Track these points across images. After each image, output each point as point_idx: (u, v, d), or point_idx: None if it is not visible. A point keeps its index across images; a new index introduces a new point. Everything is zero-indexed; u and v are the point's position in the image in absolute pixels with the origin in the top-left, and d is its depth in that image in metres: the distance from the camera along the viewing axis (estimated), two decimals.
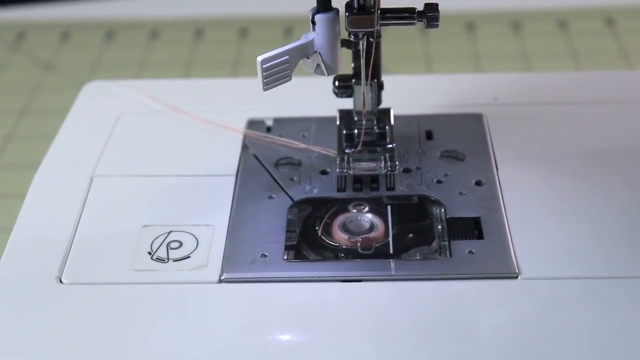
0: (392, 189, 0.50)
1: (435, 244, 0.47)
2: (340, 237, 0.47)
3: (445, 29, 0.88)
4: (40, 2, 0.93)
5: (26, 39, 0.90)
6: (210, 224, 0.48)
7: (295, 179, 0.51)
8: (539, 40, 0.89)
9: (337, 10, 0.46)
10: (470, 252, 0.45)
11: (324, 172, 0.52)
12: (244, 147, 0.54)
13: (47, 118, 0.75)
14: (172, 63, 0.85)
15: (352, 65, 0.49)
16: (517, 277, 0.44)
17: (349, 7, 0.46)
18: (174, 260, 0.46)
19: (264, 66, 0.45)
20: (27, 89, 0.81)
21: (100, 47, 0.88)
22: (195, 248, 0.46)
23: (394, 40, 0.83)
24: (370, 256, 0.46)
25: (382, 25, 0.47)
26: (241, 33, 0.90)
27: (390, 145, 0.51)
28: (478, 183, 0.50)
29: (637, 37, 0.88)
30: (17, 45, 0.89)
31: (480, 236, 0.46)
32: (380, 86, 0.50)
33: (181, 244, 0.47)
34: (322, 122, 0.55)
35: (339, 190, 0.50)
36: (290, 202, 0.49)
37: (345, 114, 0.52)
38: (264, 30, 0.90)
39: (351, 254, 0.47)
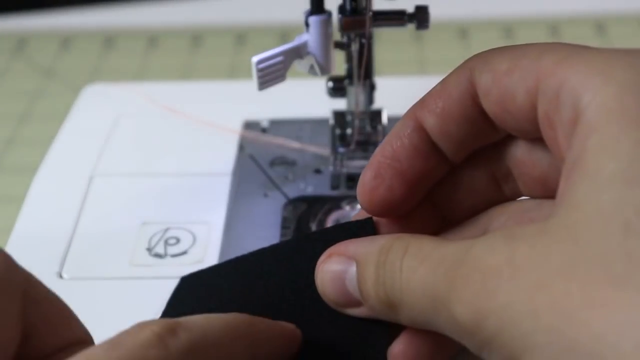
0: None
1: None
2: None
3: (438, 36, 0.89)
4: (40, 10, 0.95)
5: (27, 46, 0.91)
6: (207, 221, 0.49)
7: (290, 177, 0.52)
8: None
9: (330, 13, 0.47)
10: None
11: (318, 171, 0.53)
12: (240, 148, 0.55)
13: (47, 123, 0.76)
14: (171, 69, 0.86)
15: (345, 66, 0.51)
16: None
17: (341, 9, 0.47)
18: (171, 256, 0.47)
19: (259, 67, 0.46)
20: (28, 94, 0.83)
21: (99, 54, 0.90)
22: (192, 244, 0.48)
23: (388, 46, 0.84)
24: None
25: (373, 27, 0.48)
26: (238, 40, 0.91)
27: None
28: None
29: (627, 43, 0.89)
30: (18, 52, 0.90)
31: None
32: (372, 87, 0.51)
33: (178, 240, 0.48)
34: (316, 123, 0.56)
35: (332, 188, 0.51)
36: (285, 200, 0.51)
37: (338, 115, 0.53)
38: (261, 37, 0.91)
39: None
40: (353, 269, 0.34)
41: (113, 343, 0.28)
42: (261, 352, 0.34)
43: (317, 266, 0.35)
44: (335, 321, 0.38)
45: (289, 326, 0.36)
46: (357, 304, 0.34)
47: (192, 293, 0.39)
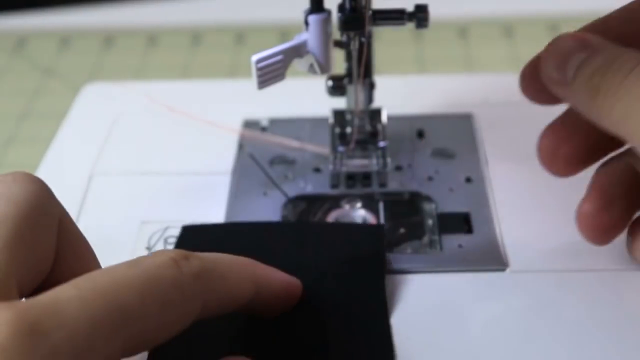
0: (384, 185, 0.51)
1: (426, 238, 0.48)
2: None
3: (438, 35, 0.89)
4: (39, 9, 0.95)
5: (26, 45, 0.91)
6: (207, 220, 0.49)
7: (289, 176, 0.52)
8: (531, 45, 0.89)
9: (330, 12, 0.47)
10: (460, 245, 0.46)
11: (317, 170, 0.53)
12: (240, 147, 0.55)
13: (46, 122, 0.75)
14: (170, 68, 0.86)
15: (345, 65, 0.50)
16: (505, 270, 0.45)
17: (341, 8, 0.47)
18: None
19: (258, 65, 0.46)
20: (27, 93, 0.83)
21: (98, 53, 0.90)
22: None
23: (388, 45, 0.84)
24: None
25: (373, 25, 0.48)
26: (238, 39, 0.91)
27: (382, 144, 0.52)
28: (468, 180, 0.51)
29: None
30: (17, 51, 0.90)
31: (469, 230, 0.47)
32: (372, 86, 0.51)
33: None
34: (316, 122, 0.56)
35: (332, 187, 0.51)
36: (285, 199, 0.51)
37: (338, 114, 0.53)
38: (260, 36, 0.91)
39: None
40: (582, 55, 0.38)
41: (133, 262, 0.32)
42: (264, 292, 0.38)
43: (556, 38, 0.40)
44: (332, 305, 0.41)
45: (292, 277, 0.40)
46: (564, 83, 0.38)
47: (196, 245, 0.40)
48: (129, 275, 0.31)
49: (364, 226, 0.48)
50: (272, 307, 0.39)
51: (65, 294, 0.30)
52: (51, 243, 0.34)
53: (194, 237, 0.46)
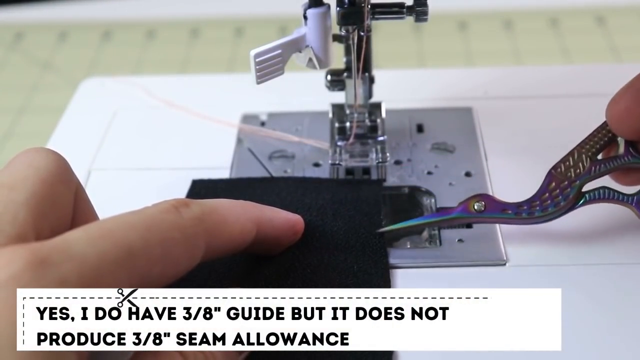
0: (384, 180, 0.51)
1: (425, 233, 0.48)
2: None
3: (438, 28, 0.89)
4: (38, 3, 0.94)
5: (24, 39, 0.91)
6: None
7: (288, 171, 0.52)
8: (531, 38, 0.90)
9: (329, 6, 0.47)
10: (459, 240, 0.46)
11: (316, 165, 0.53)
12: (239, 141, 0.55)
13: (45, 116, 0.75)
14: (169, 62, 0.86)
15: (344, 59, 0.50)
16: (505, 264, 0.45)
17: (339, 2, 0.47)
18: None
19: (257, 60, 0.46)
20: (26, 87, 0.82)
21: (97, 46, 0.89)
22: None
23: (387, 39, 0.84)
24: None
25: (372, 19, 0.48)
26: (237, 32, 0.91)
27: (382, 138, 0.52)
28: (467, 174, 0.51)
29: (627, 34, 0.89)
30: (16, 45, 0.90)
31: (469, 225, 0.47)
32: (371, 80, 0.51)
33: None
34: (315, 116, 0.56)
35: None
36: None
37: (337, 108, 0.53)
38: (259, 29, 0.91)
39: None
40: None
41: (136, 210, 0.36)
42: (266, 231, 0.40)
43: None
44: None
45: (293, 214, 0.43)
46: None
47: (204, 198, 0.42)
48: (132, 219, 0.34)
49: (364, 179, 0.51)
50: (276, 244, 0.42)
51: (74, 235, 0.33)
52: (68, 208, 0.37)
53: (202, 190, 0.49)
